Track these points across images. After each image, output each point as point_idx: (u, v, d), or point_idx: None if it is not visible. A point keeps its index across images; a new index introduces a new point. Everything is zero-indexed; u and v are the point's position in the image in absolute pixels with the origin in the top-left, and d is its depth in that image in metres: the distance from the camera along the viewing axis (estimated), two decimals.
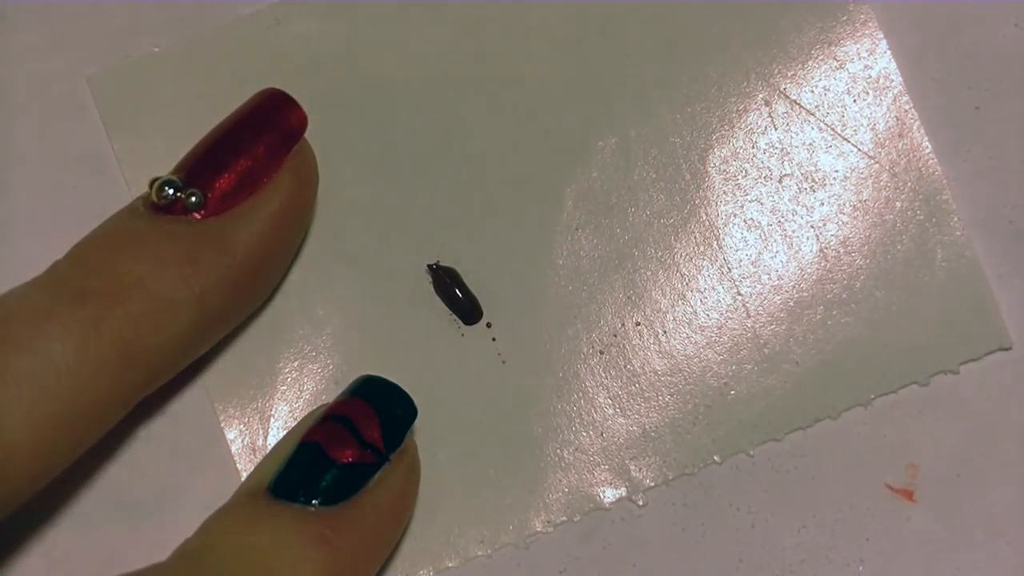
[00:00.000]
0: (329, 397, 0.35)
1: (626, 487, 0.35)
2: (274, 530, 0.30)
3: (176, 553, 0.30)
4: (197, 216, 0.33)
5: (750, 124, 0.37)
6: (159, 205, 0.33)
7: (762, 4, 0.37)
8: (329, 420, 0.32)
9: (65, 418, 0.30)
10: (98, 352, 0.30)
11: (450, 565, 0.35)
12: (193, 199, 0.33)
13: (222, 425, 0.35)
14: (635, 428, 0.35)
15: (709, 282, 0.36)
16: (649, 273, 0.36)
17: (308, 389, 0.36)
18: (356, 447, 0.31)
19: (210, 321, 0.33)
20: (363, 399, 0.32)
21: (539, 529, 0.35)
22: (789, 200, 0.36)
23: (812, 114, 0.37)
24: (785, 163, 0.36)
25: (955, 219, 0.36)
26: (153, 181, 0.33)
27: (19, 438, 0.29)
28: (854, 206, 0.36)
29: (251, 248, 0.33)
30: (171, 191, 0.33)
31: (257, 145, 0.33)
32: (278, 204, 0.34)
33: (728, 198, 0.36)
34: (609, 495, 0.35)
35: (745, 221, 0.36)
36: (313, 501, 0.31)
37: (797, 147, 0.37)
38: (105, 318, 0.31)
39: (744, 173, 0.36)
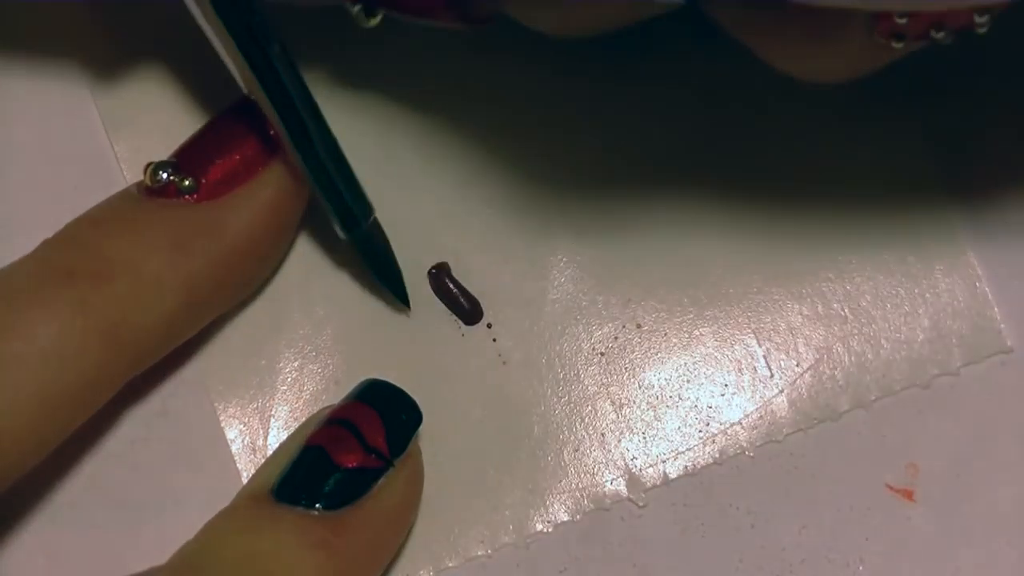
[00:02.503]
0: (329, 397, 0.35)
1: (626, 487, 0.35)
2: (276, 534, 0.30)
3: (176, 556, 0.30)
4: (190, 200, 0.33)
5: None
6: (152, 188, 0.33)
7: None
8: (334, 424, 0.32)
9: (50, 400, 0.30)
10: (84, 333, 0.30)
11: (450, 565, 0.35)
12: (186, 183, 0.33)
13: (222, 425, 0.35)
14: (636, 428, 0.35)
15: (710, 281, 0.36)
16: (651, 274, 0.36)
17: (308, 389, 0.36)
18: (360, 452, 0.31)
19: (198, 305, 0.33)
20: (368, 403, 0.32)
21: (539, 529, 0.35)
22: None
23: None
24: None
25: (954, 220, 0.36)
26: (148, 164, 0.33)
27: (4, 420, 0.29)
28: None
29: (242, 234, 0.33)
30: (164, 174, 0.33)
31: (253, 133, 0.34)
32: (271, 192, 0.34)
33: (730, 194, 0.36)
34: (609, 495, 0.35)
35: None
36: (316, 505, 0.31)
37: None
38: (91, 299, 0.31)
39: None
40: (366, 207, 0.34)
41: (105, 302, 0.31)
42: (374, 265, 0.35)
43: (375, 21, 0.31)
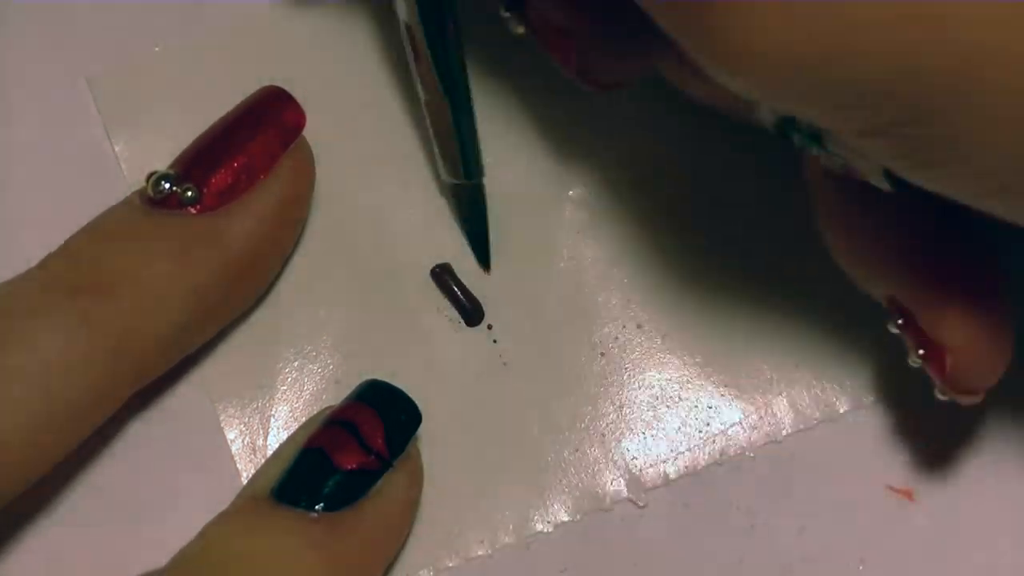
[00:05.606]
0: (329, 397, 0.35)
1: (626, 487, 0.35)
2: (276, 536, 0.30)
3: (176, 559, 0.30)
4: (192, 211, 0.33)
5: None
6: (154, 199, 0.33)
7: None
8: (333, 425, 0.32)
9: (56, 413, 0.30)
10: (89, 346, 0.30)
11: (450, 565, 0.34)
12: (188, 193, 0.33)
13: (222, 425, 0.35)
14: (636, 428, 0.35)
15: (711, 282, 0.36)
16: (651, 274, 0.36)
17: (308, 389, 0.36)
18: (360, 453, 0.31)
19: (202, 316, 0.33)
20: (368, 404, 0.32)
21: (539, 529, 0.35)
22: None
23: None
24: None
25: None
26: (149, 175, 0.33)
27: (9, 434, 0.29)
28: None
29: (245, 244, 0.33)
30: (166, 185, 0.33)
31: (254, 142, 0.34)
32: (274, 201, 0.34)
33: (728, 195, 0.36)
34: (609, 495, 0.35)
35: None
36: (316, 507, 0.31)
37: None
38: (96, 312, 0.31)
39: None
40: (482, 165, 0.35)
41: (109, 315, 0.31)
42: (469, 221, 0.36)
43: (520, 31, 0.33)
